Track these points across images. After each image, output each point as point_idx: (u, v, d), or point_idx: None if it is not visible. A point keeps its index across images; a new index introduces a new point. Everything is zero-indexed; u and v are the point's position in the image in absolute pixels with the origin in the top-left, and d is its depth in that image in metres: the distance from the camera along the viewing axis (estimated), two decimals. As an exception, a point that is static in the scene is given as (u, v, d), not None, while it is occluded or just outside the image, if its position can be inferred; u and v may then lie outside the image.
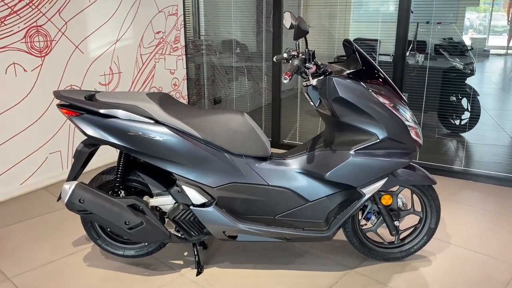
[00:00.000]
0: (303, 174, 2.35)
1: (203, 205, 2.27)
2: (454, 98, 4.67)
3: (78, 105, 2.18)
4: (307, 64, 2.15)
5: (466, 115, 4.50)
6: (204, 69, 5.28)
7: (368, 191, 2.25)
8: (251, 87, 5.35)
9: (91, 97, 2.32)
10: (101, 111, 2.17)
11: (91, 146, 2.35)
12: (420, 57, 4.70)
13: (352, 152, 2.21)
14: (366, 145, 2.20)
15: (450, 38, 4.77)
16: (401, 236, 2.59)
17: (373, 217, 2.53)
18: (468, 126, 4.46)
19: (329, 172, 2.23)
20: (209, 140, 2.26)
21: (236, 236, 2.36)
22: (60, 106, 2.23)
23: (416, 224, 2.58)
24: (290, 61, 2.21)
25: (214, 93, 5.41)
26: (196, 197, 2.25)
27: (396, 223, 2.45)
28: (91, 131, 2.20)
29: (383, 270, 2.50)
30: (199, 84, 5.35)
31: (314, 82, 2.08)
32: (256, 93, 5.37)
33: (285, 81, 1.96)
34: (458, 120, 4.60)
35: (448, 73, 4.50)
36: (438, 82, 4.37)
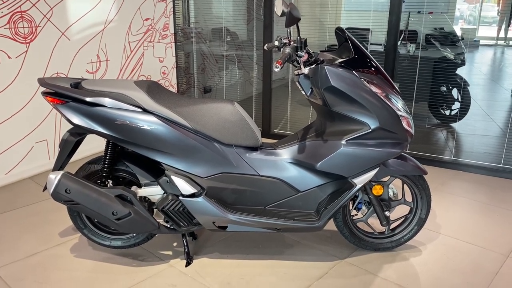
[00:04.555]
0: (294, 164, 2.32)
1: (192, 195, 2.23)
2: (445, 88, 4.67)
3: (64, 93, 2.12)
4: (298, 52, 2.10)
5: (456, 106, 4.51)
6: (194, 58, 5.21)
7: (359, 181, 2.23)
8: (241, 76, 5.30)
9: (77, 84, 2.25)
10: (88, 99, 2.12)
11: (77, 135, 2.29)
12: (411, 47, 4.68)
13: (343, 142, 2.18)
14: (357, 135, 2.17)
15: (441, 28, 4.75)
16: (392, 226, 2.59)
17: (363, 207, 2.51)
18: (458, 117, 4.46)
19: (320, 162, 2.21)
20: (199, 130, 2.22)
21: (226, 227, 2.33)
22: (45, 94, 2.17)
23: (406, 215, 2.57)
24: (282, 49, 2.16)
25: (204, 82, 5.34)
26: (185, 187, 2.21)
27: (386, 213, 2.44)
28: (77, 120, 2.14)
29: (373, 260, 2.49)
30: (189, 72, 5.28)
31: (306, 70, 2.04)
32: (247, 82, 5.31)
33: (276, 70, 1.92)
34: (449, 111, 4.60)
35: (439, 63, 4.49)
36: (429, 72, 4.36)
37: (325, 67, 2.10)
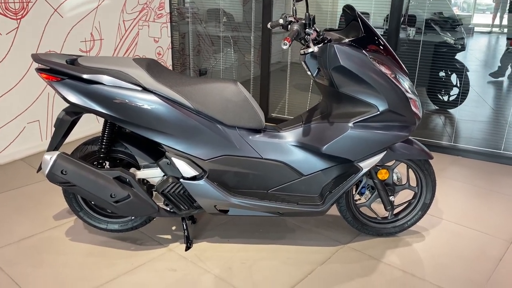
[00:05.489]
0: (298, 147, 2.25)
1: (193, 178, 2.16)
2: (444, 74, 4.62)
3: (60, 70, 2.02)
4: (307, 29, 2.02)
5: (455, 91, 4.46)
6: (190, 39, 5.08)
7: (366, 165, 2.17)
8: (237, 58, 5.19)
9: (73, 61, 2.15)
10: (85, 76, 2.02)
11: (73, 114, 2.20)
12: (411, 31, 4.61)
13: (350, 124, 2.12)
14: (365, 117, 2.10)
15: (440, 12, 4.67)
16: (395, 212, 2.55)
17: (367, 192, 2.47)
18: (456, 102, 4.42)
19: (326, 146, 2.14)
20: (201, 110, 2.14)
21: (228, 210, 2.27)
22: (39, 70, 2.07)
23: (410, 200, 2.53)
24: (289, 26, 2.07)
25: (199, 64, 5.23)
26: (186, 169, 2.13)
27: (391, 198, 2.40)
28: (74, 98, 2.05)
29: (376, 245, 2.45)
30: (184, 54, 5.16)
31: (315, 48, 1.95)
32: (243, 65, 5.21)
33: (284, 47, 1.84)
34: (447, 96, 4.56)
35: (438, 48, 4.43)
36: (428, 57, 4.30)
37: (335, 45, 2.02)
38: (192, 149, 2.15)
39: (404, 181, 2.50)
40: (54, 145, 2.21)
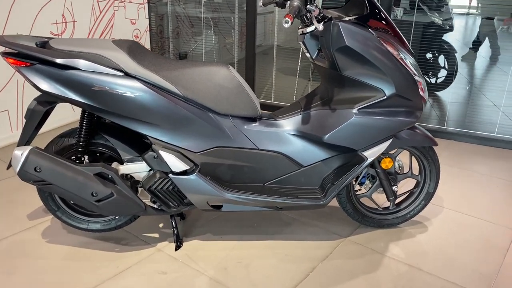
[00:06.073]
0: (297, 137, 2.08)
1: (184, 172, 1.96)
2: (430, 55, 4.50)
3: (29, 54, 1.78)
4: (308, 6, 1.81)
5: (443, 73, 4.36)
6: (169, 20, 4.80)
7: (370, 154, 2.02)
8: (219, 41, 4.94)
9: (44, 44, 1.91)
10: (58, 60, 1.78)
11: (46, 104, 1.96)
12: (399, 11, 4.46)
13: (354, 111, 1.95)
14: (371, 103, 1.94)
15: None
16: (395, 202, 2.41)
17: (367, 182, 2.32)
18: (444, 85, 4.32)
19: (328, 134, 1.97)
20: (190, 97, 1.93)
21: (221, 206, 2.09)
22: (5, 54, 1.82)
23: (412, 189, 2.40)
24: (289, 2, 1.86)
25: (179, 47, 4.96)
26: (176, 163, 1.93)
27: (394, 188, 2.26)
28: (46, 86, 1.81)
29: (378, 238, 2.32)
30: (163, 36, 4.88)
31: (320, 26, 1.76)
32: (224, 48, 4.97)
33: (286, 25, 1.64)
34: (435, 78, 4.45)
35: (426, 29, 4.30)
36: (416, 38, 4.16)
37: (339, 23, 1.83)
38: (181, 141, 1.94)
39: (405, 170, 2.36)
40: (26, 139, 1.97)
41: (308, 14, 1.83)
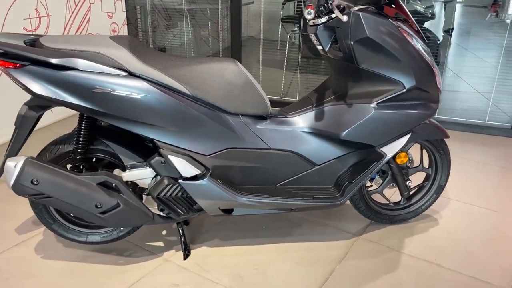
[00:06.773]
0: (311, 134, 1.97)
1: (194, 177, 1.82)
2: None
3: (20, 53, 1.59)
4: None
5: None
6: (148, 13, 4.58)
7: (389, 150, 1.94)
8: (198, 33, 4.76)
9: (33, 42, 1.72)
10: (53, 61, 1.60)
11: (38, 108, 1.77)
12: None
13: (373, 105, 1.86)
14: (390, 96, 1.85)
15: None
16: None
17: (377, 177, 2.25)
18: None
19: (346, 131, 1.88)
20: (200, 97, 1.79)
21: (232, 210, 1.97)
22: (-9, 55, 1.62)
23: (422, 183, 2.34)
24: None
25: (158, 41, 4.75)
26: (186, 168, 1.79)
27: (408, 182, 2.19)
28: (39, 89, 1.63)
29: (391, 234, 2.26)
30: (141, 30, 4.66)
31: (344, 18, 1.64)
32: (202, 41, 4.80)
33: (309, 16, 1.53)
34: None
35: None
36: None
37: (360, 13, 1.72)
38: (191, 144, 1.80)
39: (415, 163, 2.30)
40: (17, 149, 1.79)
41: (328, 4, 1.70)
